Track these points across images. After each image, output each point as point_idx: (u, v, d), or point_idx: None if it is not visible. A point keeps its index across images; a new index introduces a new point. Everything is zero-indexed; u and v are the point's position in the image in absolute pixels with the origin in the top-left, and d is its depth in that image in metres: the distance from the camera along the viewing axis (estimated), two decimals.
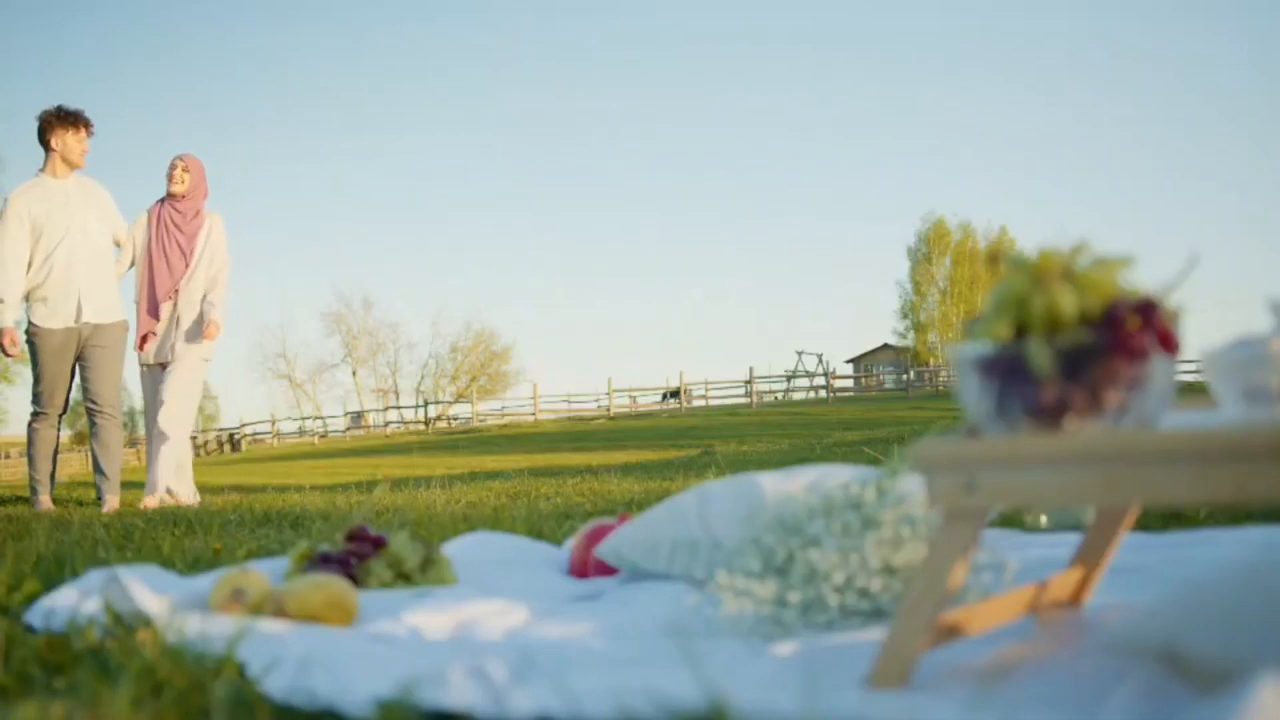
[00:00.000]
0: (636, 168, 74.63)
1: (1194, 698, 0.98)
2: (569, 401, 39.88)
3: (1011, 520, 2.41)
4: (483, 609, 1.63)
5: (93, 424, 5.35)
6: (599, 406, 38.83)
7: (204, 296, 5.48)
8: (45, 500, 5.31)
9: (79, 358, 5.32)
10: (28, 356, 5.37)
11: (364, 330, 53.11)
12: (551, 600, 1.81)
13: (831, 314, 78.67)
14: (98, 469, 5.34)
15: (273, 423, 45.31)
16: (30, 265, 5.21)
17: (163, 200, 5.53)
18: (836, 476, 1.75)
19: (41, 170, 5.37)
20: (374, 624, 1.54)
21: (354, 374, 53.76)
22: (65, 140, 5.29)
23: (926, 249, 55.27)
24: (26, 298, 5.26)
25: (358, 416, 46.51)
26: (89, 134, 5.37)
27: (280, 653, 1.26)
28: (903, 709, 1.01)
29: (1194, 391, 1.44)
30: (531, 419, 37.39)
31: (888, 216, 73.58)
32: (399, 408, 46.16)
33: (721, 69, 73.54)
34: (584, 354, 79.53)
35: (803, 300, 78.79)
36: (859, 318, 78.46)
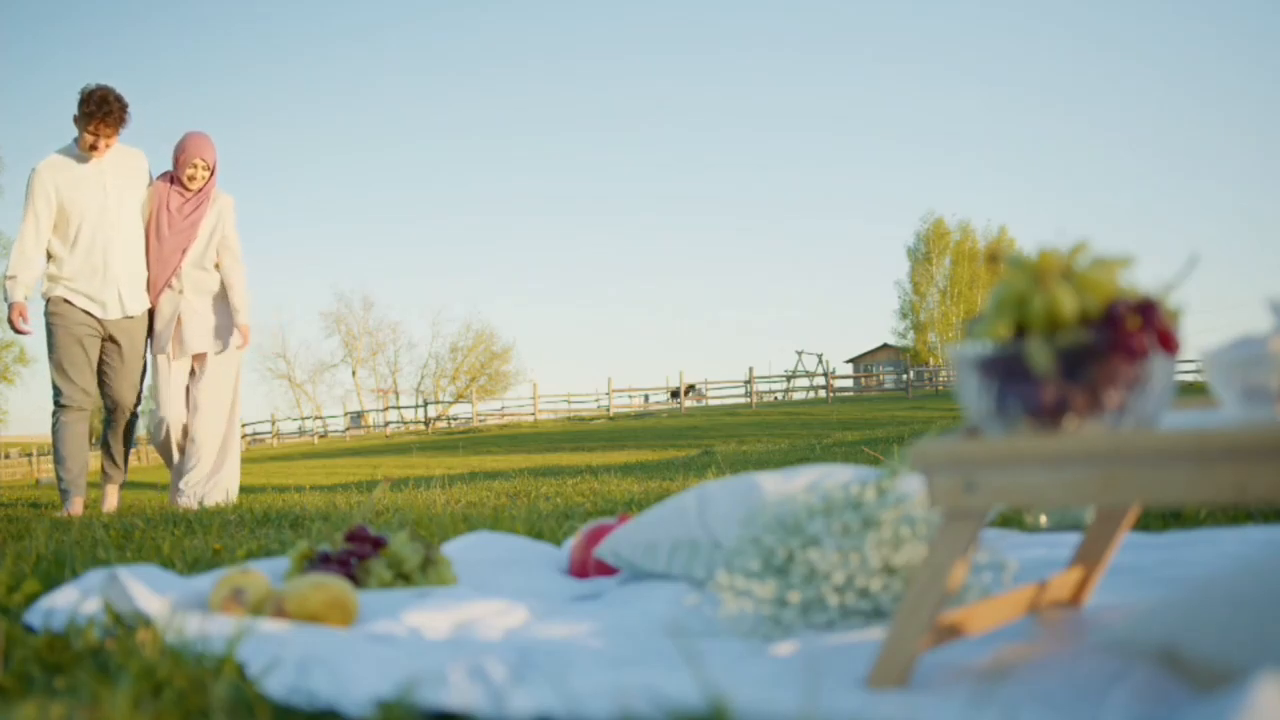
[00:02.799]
0: (637, 167, 74.71)
1: (1194, 698, 0.98)
2: (569, 401, 39.90)
3: (1011, 520, 2.41)
4: (483, 609, 1.63)
5: (108, 416, 5.10)
6: (599, 406, 38.84)
7: (218, 289, 5.23)
8: (78, 505, 4.91)
9: (101, 352, 4.99)
10: (44, 339, 5.00)
11: (364, 330, 53.08)
12: (551, 600, 1.81)
13: (831, 314, 78.74)
14: (108, 454, 5.11)
15: (273, 423, 45.33)
16: (59, 248, 4.88)
17: (171, 177, 5.18)
18: (836, 476, 1.75)
19: (76, 140, 4.96)
20: (374, 624, 1.54)
21: (354, 374, 53.75)
22: (80, 133, 4.90)
23: (926, 249, 55.28)
24: (55, 281, 4.90)
25: (357, 416, 46.52)
26: (107, 132, 4.90)
27: (280, 653, 1.25)
28: (903, 709, 1.01)
29: (1194, 391, 1.44)
30: (531, 419, 37.40)
31: (888, 216, 73.66)
32: (399, 408, 46.18)
33: (721, 69, 73.60)
34: (584, 354, 79.58)
35: (803, 300, 78.86)
36: (859, 318, 78.54)
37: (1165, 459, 1.00)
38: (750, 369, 36.71)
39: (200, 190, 5.17)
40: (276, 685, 1.17)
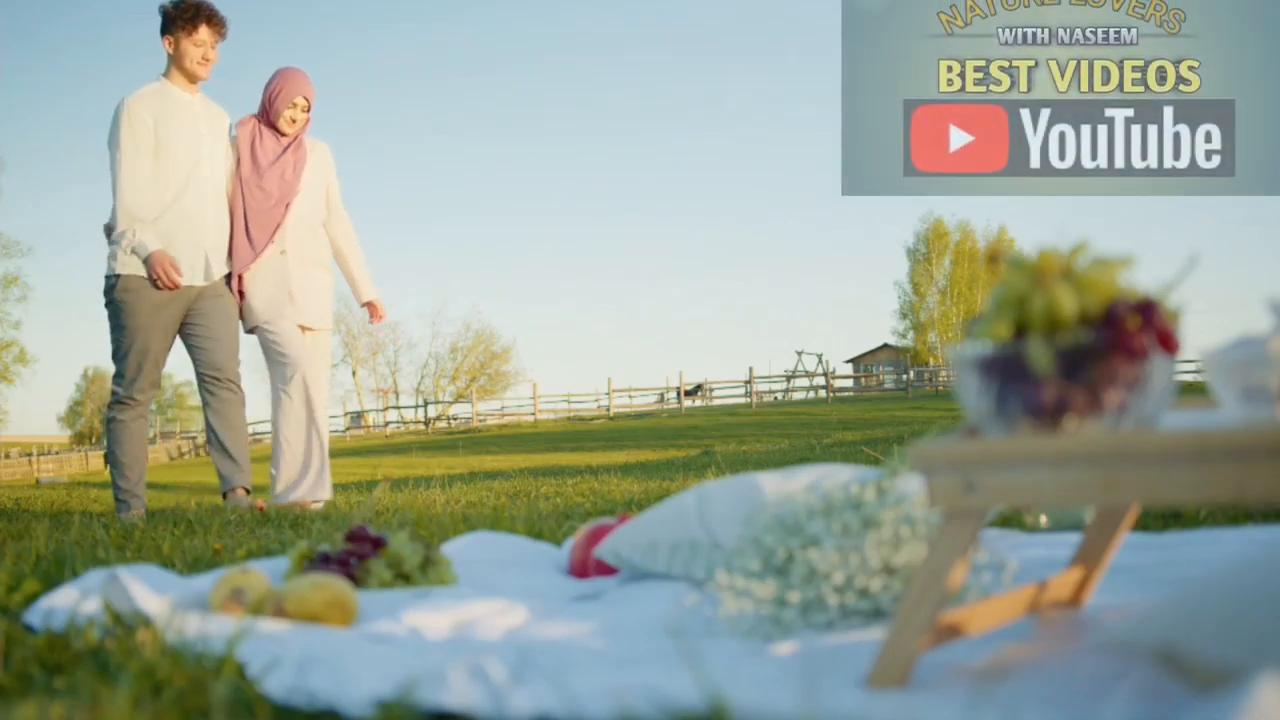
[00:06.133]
0: (636, 167, 74.73)
1: (1194, 698, 0.98)
2: (569, 401, 39.90)
3: (1011, 520, 2.41)
4: (483, 609, 1.63)
5: (210, 396, 4.26)
6: (599, 406, 38.84)
7: (324, 259, 4.52)
8: (139, 514, 4.11)
9: (186, 319, 4.22)
10: (110, 320, 4.17)
11: (364, 330, 52.99)
12: (551, 600, 1.81)
13: (831, 314, 78.78)
14: (222, 451, 4.24)
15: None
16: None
17: (256, 119, 4.44)
18: (836, 476, 1.75)
19: (163, 76, 4.24)
20: (374, 624, 1.54)
21: (354, 374, 53.70)
22: (179, 43, 4.16)
23: (926, 249, 55.26)
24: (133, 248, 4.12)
25: (358, 416, 46.49)
26: (217, 37, 4.22)
27: (280, 653, 1.25)
28: (902, 709, 1.01)
29: (1194, 391, 1.44)
30: (531, 419, 37.40)
31: (887, 216, 73.68)
32: (399, 408, 46.14)
33: (721, 69, 73.63)
34: (584, 354, 79.62)
35: (803, 300, 78.88)
36: (859, 318, 78.58)
37: (1165, 459, 1.00)
38: (750, 369, 36.72)
39: (295, 135, 4.44)
40: (276, 685, 1.17)
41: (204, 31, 4.17)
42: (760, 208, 75.87)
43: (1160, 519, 2.38)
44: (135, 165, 4.07)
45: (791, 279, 77.87)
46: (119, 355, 4.18)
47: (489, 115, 73.53)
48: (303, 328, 4.47)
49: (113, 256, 4.17)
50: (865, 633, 1.38)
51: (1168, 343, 1.05)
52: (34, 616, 1.63)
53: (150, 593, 1.60)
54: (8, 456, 41.50)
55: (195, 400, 68.76)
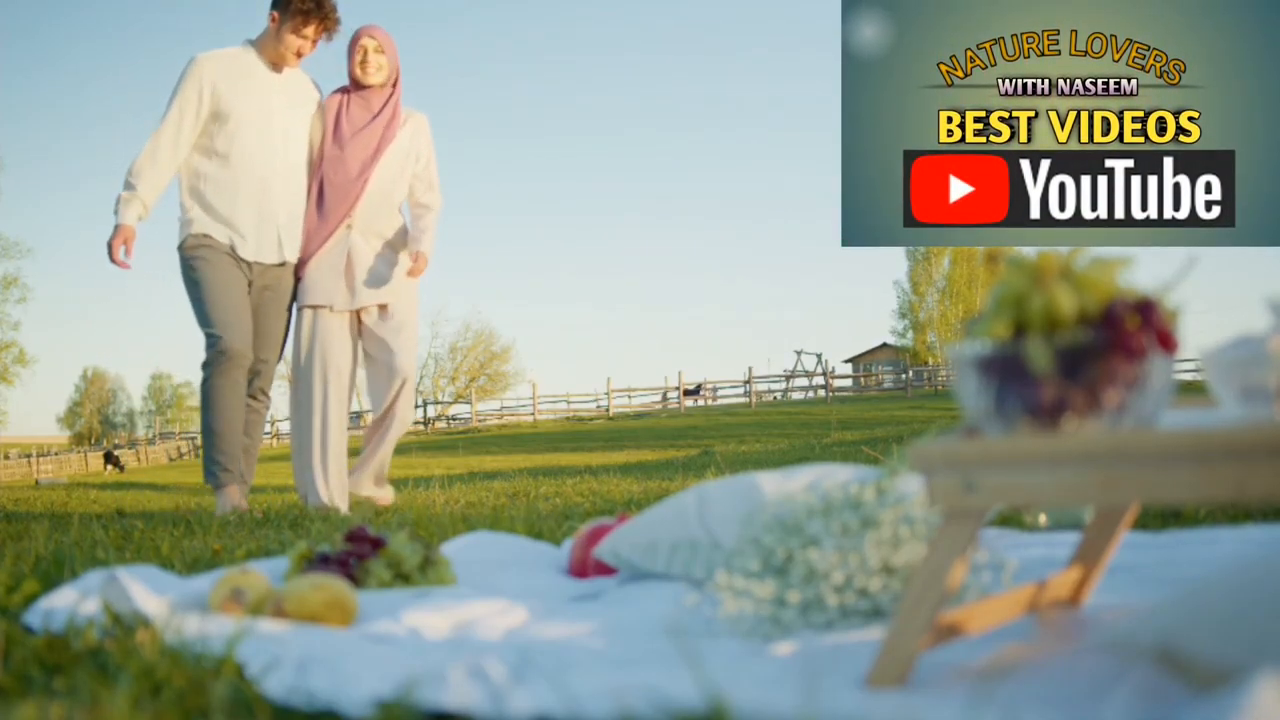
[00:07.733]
0: (636, 167, 74.74)
1: (1194, 698, 0.98)
2: (569, 402, 39.90)
3: (1011, 520, 2.41)
4: (482, 609, 1.63)
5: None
6: (598, 407, 38.83)
7: (394, 238, 4.15)
8: (233, 493, 3.95)
9: None
10: (186, 287, 3.97)
11: None
12: (551, 600, 1.81)
13: (831, 314, 78.81)
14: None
15: (272, 423, 45.31)
16: (207, 164, 3.92)
17: (345, 90, 4.16)
18: (836, 476, 1.75)
19: (250, 42, 4.07)
20: (373, 624, 1.54)
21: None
22: (282, 26, 3.98)
23: (925, 249, 55.26)
24: (199, 211, 3.92)
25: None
26: (322, 36, 4.05)
27: (280, 653, 1.25)
28: (902, 709, 1.01)
29: (1194, 391, 1.44)
30: (531, 419, 37.40)
31: None
32: None
33: (720, 68, 73.63)
34: (584, 354, 79.66)
35: (803, 300, 78.91)
36: (858, 317, 78.60)
37: (1164, 459, 1.00)
38: (749, 369, 36.71)
39: (387, 100, 4.12)
40: (276, 685, 1.17)
41: (313, 30, 4.01)
42: (760, 207, 75.93)
43: (1160, 519, 2.38)
44: (174, 131, 3.88)
45: (791, 278, 77.94)
46: (201, 314, 3.93)
47: (489, 115, 73.59)
48: (359, 311, 4.18)
49: (186, 222, 3.98)
50: (865, 633, 1.38)
51: (1167, 342, 1.05)
52: (33, 617, 1.63)
53: (149, 593, 1.60)
54: (7, 457, 41.47)
55: (194, 401, 68.70)
